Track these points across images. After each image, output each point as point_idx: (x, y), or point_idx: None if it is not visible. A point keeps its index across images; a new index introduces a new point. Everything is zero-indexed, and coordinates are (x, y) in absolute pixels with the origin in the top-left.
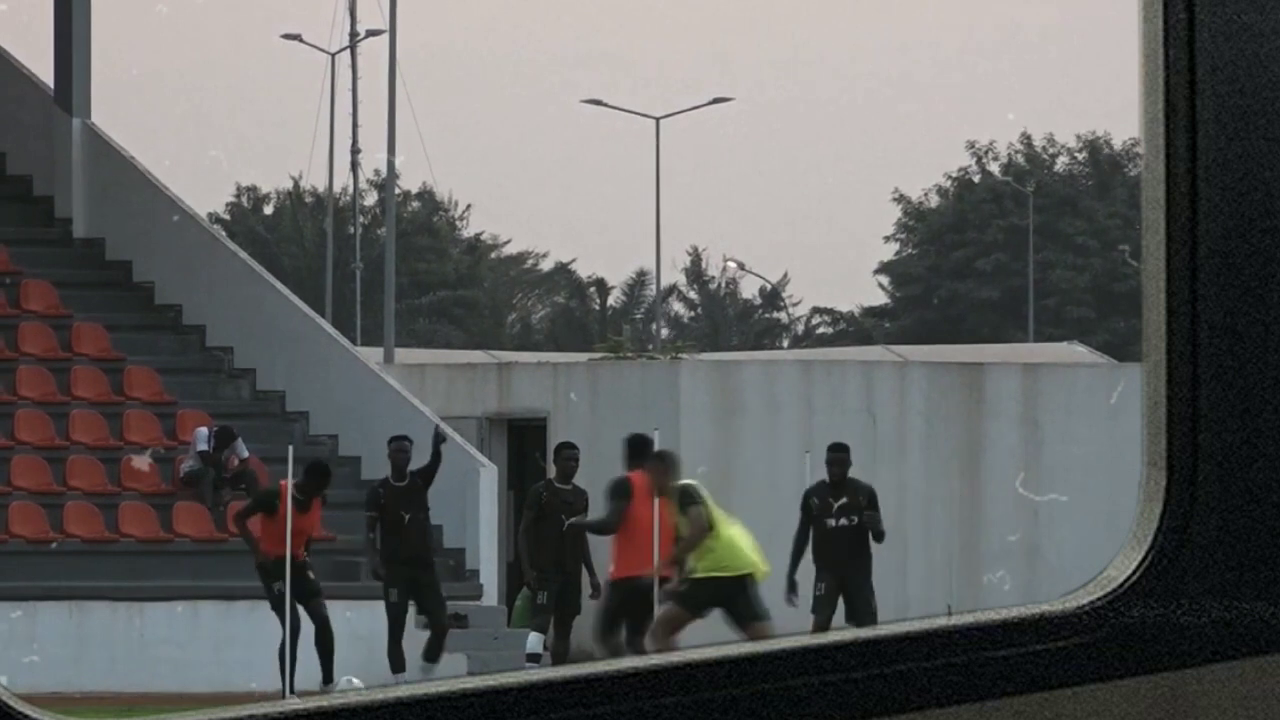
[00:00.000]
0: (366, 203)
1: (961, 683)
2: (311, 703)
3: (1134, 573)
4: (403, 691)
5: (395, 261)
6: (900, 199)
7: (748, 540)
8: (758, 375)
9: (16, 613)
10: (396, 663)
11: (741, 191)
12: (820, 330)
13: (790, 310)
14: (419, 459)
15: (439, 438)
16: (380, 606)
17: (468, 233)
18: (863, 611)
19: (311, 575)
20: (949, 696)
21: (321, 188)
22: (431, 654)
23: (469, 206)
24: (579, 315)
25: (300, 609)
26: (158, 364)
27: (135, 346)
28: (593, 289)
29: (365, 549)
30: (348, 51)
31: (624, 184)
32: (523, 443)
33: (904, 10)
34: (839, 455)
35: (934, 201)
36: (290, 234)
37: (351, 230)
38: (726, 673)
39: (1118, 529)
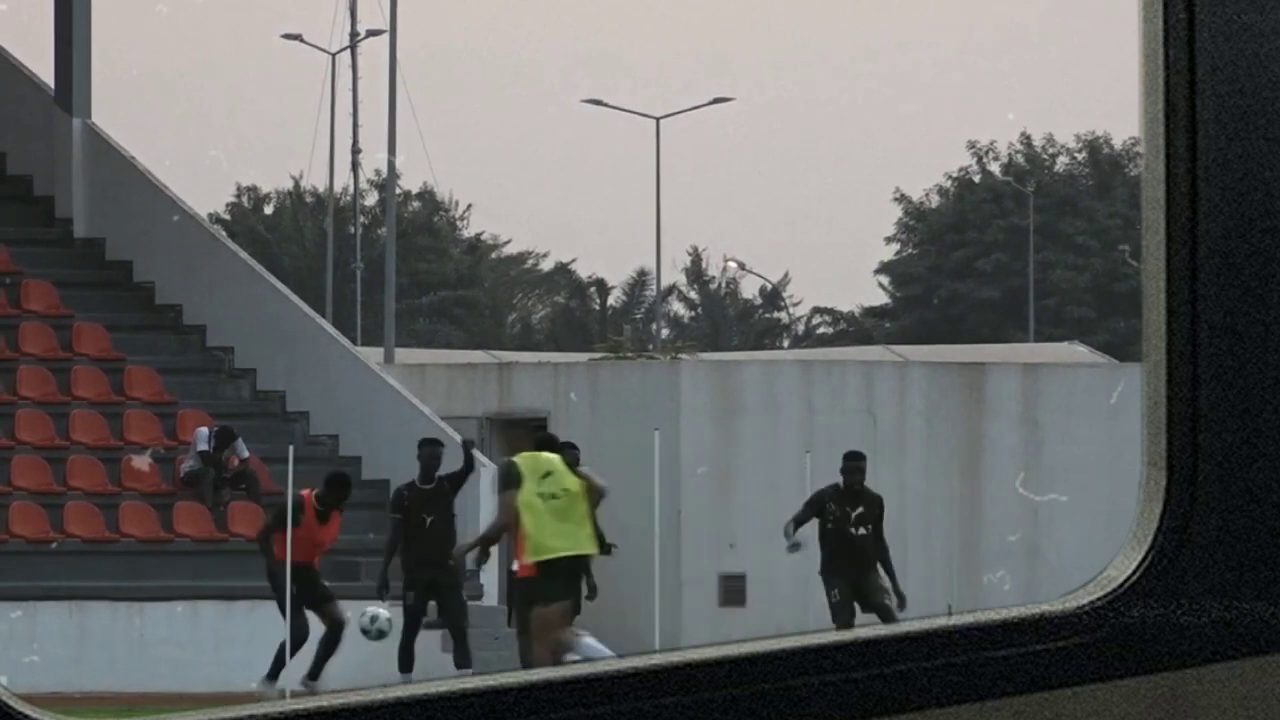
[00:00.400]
0: (367, 203)
1: (961, 683)
2: (311, 703)
3: (1134, 573)
4: (403, 691)
5: (395, 261)
6: (901, 199)
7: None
8: (758, 375)
9: (16, 613)
10: (405, 662)
11: (741, 191)
12: (820, 330)
13: (790, 310)
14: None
15: (469, 444)
16: (381, 607)
17: (468, 233)
18: (885, 612)
19: (325, 582)
20: (949, 696)
21: (322, 188)
22: (462, 660)
23: (469, 206)
24: (579, 315)
25: (309, 613)
26: (158, 364)
27: (135, 346)
28: (593, 289)
29: (385, 549)
30: (348, 51)
31: (624, 184)
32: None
33: (904, 10)
34: (858, 464)
35: (934, 201)
36: (291, 234)
37: (352, 230)
38: (726, 673)
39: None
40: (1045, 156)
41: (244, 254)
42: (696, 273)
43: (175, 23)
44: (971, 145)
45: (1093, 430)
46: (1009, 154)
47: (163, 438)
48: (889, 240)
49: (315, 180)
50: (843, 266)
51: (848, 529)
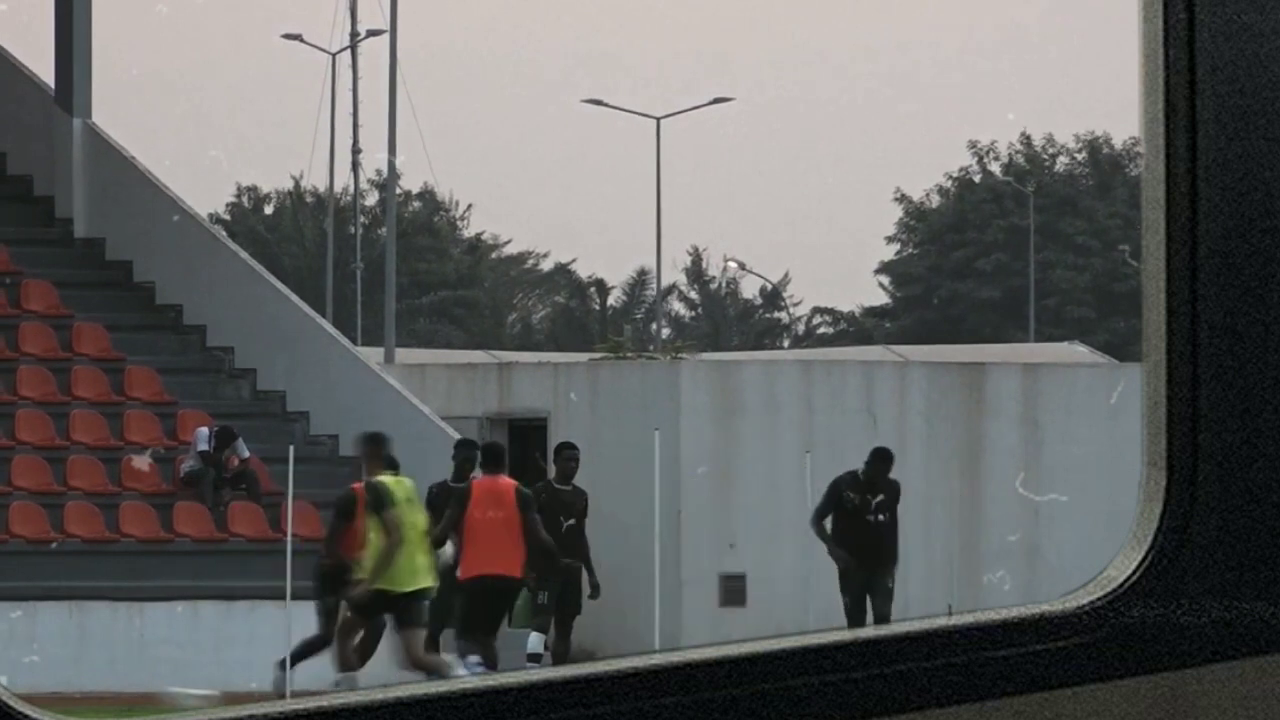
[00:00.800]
0: (367, 203)
1: (961, 683)
2: (311, 703)
3: (1134, 573)
4: (403, 691)
5: (396, 261)
6: (901, 199)
7: (424, 548)
8: (758, 375)
9: (16, 613)
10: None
11: (742, 191)
12: (821, 330)
13: (791, 310)
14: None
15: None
16: None
17: (468, 233)
18: (882, 607)
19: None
20: (949, 696)
21: (322, 188)
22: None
23: (469, 206)
24: (579, 315)
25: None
26: (158, 364)
27: (136, 346)
28: (593, 289)
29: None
30: (348, 51)
31: (624, 184)
32: (525, 442)
33: (904, 10)
34: (884, 465)
35: (934, 201)
36: (291, 234)
37: (352, 230)
38: (726, 673)
39: (1118, 529)
40: (1045, 156)
41: (244, 254)
42: (697, 273)
43: (175, 23)
44: (972, 145)
45: (1093, 430)
46: (1009, 154)
47: (163, 438)
48: (889, 240)
49: (315, 180)
50: (843, 266)
51: (865, 516)
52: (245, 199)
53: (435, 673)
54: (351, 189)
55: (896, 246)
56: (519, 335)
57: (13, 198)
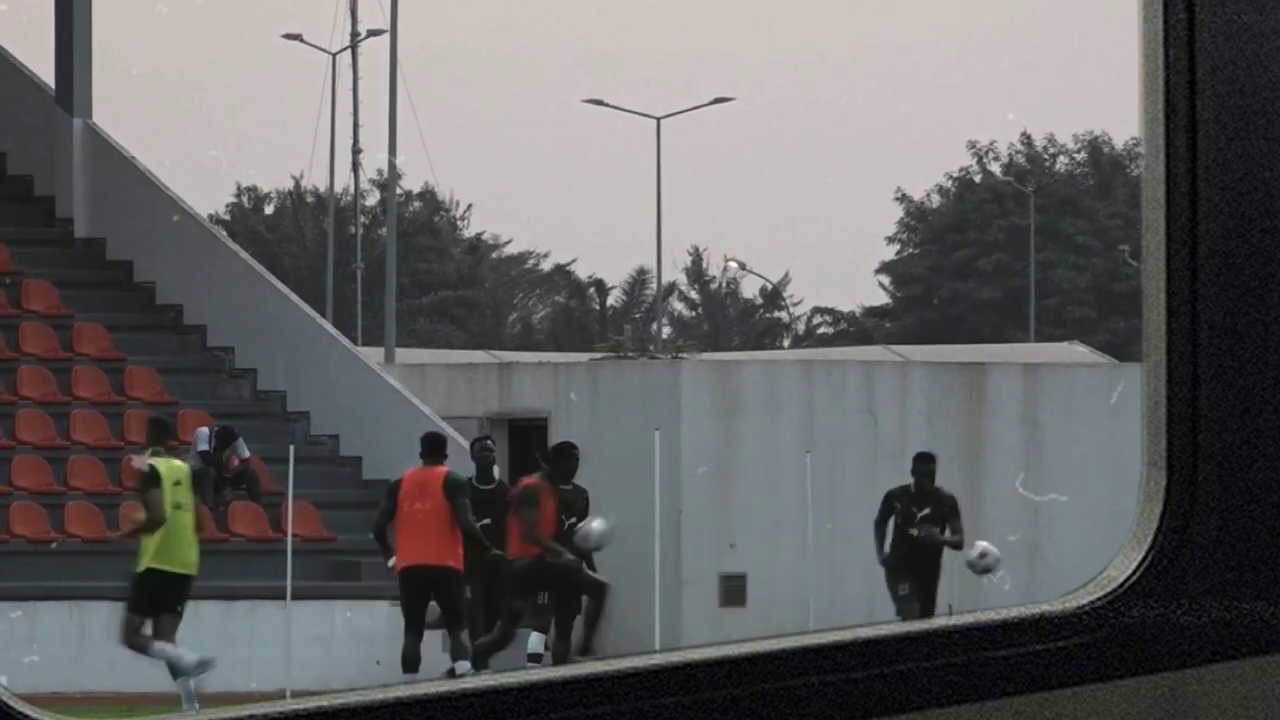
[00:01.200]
0: (367, 203)
1: (961, 683)
2: (311, 703)
3: (1134, 573)
4: (403, 691)
5: (396, 261)
6: (902, 199)
7: (191, 535)
8: (758, 375)
9: (17, 613)
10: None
11: (742, 191)
12: (821, 330)
13: (791, 310)
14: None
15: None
16: (381, 607)
17: (469, 233)
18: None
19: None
20: (949, 696)
21: (322, 188)
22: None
23: (470, 206)
24: (579, 315)
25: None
26: (158, 364)
27: (136, 346)
28: (593, 289)
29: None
30: (348, 51)
31: (624, 184)
32: (526, 442)
33: (904, 10)
34: (927, 467)
35: (935, 201)
36: (291, 234)
37: (352, 230)
38: (726, 673)
39: (1118, 529)
40: (1046, 156)
41: (244, 254)
42: (697, 272)
43: (175, 23)
44: (972, 145)
45: (1093, 430)
46: (1009, 154)
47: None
48: (889, 240)
49: (316, 180)
50: (843, 266)
51: (909, 529)
52: (245, 199)
53: (143, 654)
54: (352, 189)
55: (897, 246)
56: (519, 335)
57: (13, 198)
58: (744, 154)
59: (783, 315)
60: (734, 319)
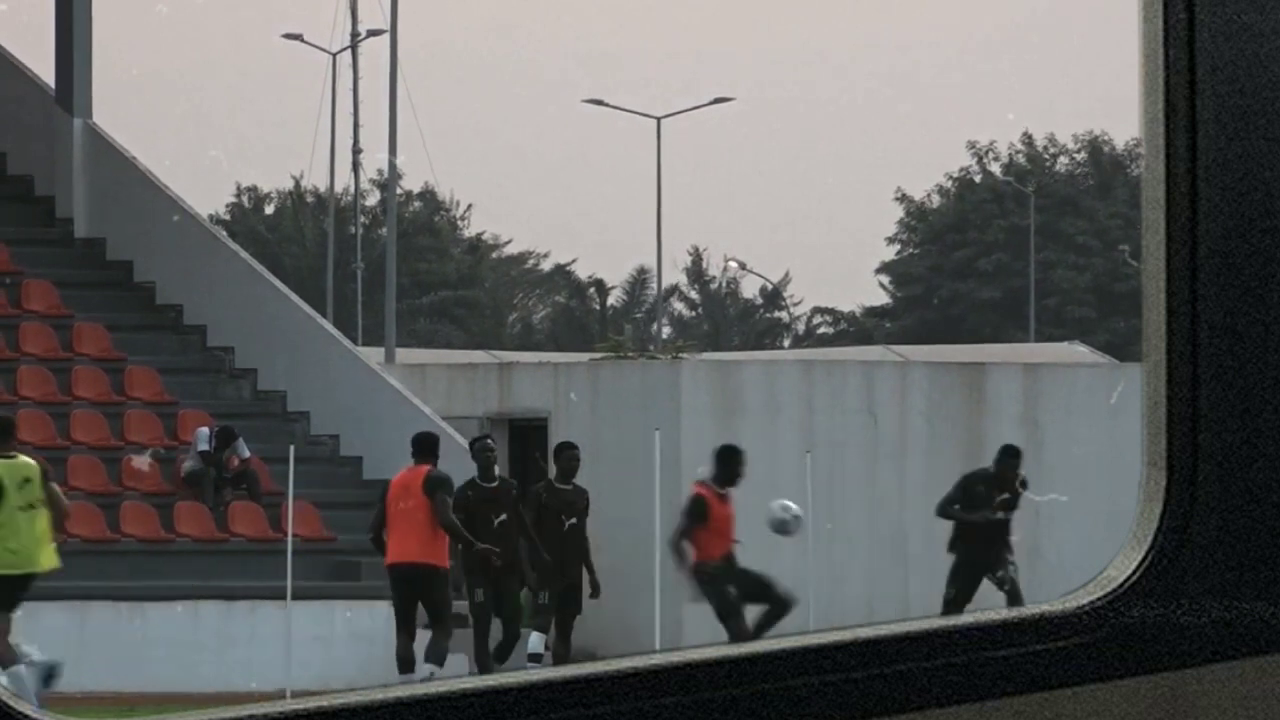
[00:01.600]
0: (367, 203)
1: (961, 683)
2: (311, 703)
3: (1134, 573)
4: (403, 691)
5: (396, 261)
6: (902, 199)
7: (42, 533)
8: (758, 375)
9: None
10: (485, 664)
11: (742, 191)
12: (821, 330)
13: (791, 310)
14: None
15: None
16: (381, 606)
17: (469, 233)
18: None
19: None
20: (949, 696)
21: (322, 188)
22: (502, 655)
23: (470, 206)
24: (579, 315)
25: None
26: (159, 364)
27: (136, 346)
28: (593, 289)
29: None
30: (349, 51)
31: (624, 184)
32: (526, 442)
33: (904, 10)
34: (1014, 462)
35: (935, 201)
36: (291, 234)
37: (352, 230)
38: (726, 673)
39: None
40: (1046, 156)
41: (244, 254)
42: (697, 272)
43: (175, 23)
44: (972, 145)
45: (1093, 430)
46: (1009, 154)
47: (163, 438)
48: (890, 240)
49: (316, 180)
50: (843, 266)
51: (990, 515)
52: (245, 199)
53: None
54: (352, 189)
55: (897, 246)
56: (519, 335)
57: (13, 198)
58: (744, 154)
59: (783, 315)
60: (734, 319)
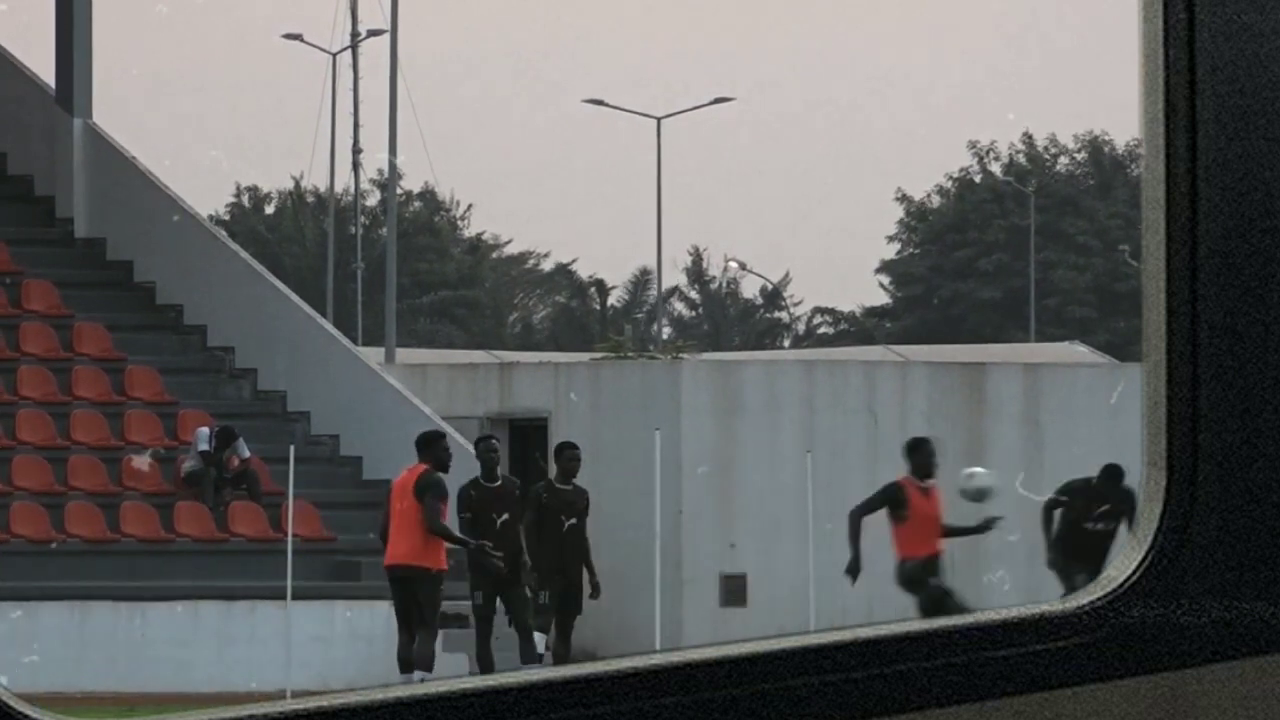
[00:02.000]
0: (368, 203)
1: (961, 683)
2: (311, 703)
3: (1134, 573)
4: (403, 691)
5: (396, 261)
6: (902, 199)
7: None
8: (759, 375)
9: (17, 613)
10: (486, 664)
11: (742, 191)
12: (821, 330)
13: (791, 310)
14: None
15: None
16: (381, 606)
17: (469, 233)
18: None
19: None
20: (949, 696)
21: (322, 188)
22: (529, 656)
23: (470, 206)
24: (580, 315)
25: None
26: (159, 364)
27: (136, 346)
28: (593, 289)
29: (470, 555)
30: (349, 51)
31: (625, 184)
32: (526, 442)
33: (904, 10)
34: (1115, 479)
35: (935, 201)
36: (291, 234)
37: (353, 230)
38: (726, 673)
39: None
40: (1046, 156)
41: (245, 254)
42: (697, 273)
43: (175, 23)
44: (972, 145)
45: (1093, 430)
46: (1010, 154)
47: (164, 438)
48: (890, 240)
49: (316, 180)
50: (843, 266)
51: (1084, 524)
52: (245, 199)
53: None
54: (352, 189)
55: (897, 246)
56: (520, 335)
57: (13, 198)
58: (744, 154)
59: (783, 315)
60: (734, 319)
